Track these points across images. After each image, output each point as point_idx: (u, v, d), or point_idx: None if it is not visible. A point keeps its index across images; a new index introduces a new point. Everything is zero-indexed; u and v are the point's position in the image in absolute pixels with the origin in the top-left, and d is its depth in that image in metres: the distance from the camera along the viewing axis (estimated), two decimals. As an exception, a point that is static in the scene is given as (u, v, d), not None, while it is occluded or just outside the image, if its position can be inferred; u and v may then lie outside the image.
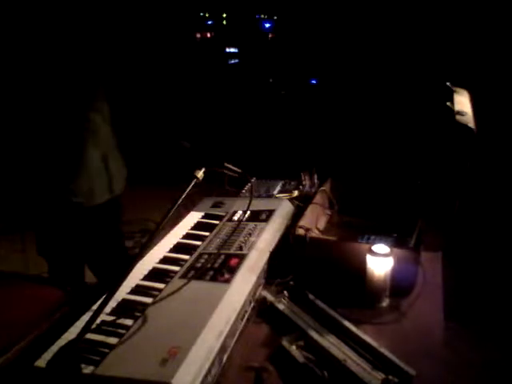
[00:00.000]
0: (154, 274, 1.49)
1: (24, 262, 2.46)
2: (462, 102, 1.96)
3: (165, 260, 1.58)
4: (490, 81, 3.73)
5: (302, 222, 1.67)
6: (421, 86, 3.91)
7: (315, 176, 2.21)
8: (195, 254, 1.57)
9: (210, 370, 1.08)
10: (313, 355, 1.21)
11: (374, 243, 1.45)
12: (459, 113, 1.76)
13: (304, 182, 2.19)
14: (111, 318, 1.25)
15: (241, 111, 5.94)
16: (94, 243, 2.28)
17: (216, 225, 1.80)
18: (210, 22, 7.77)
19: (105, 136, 2.19)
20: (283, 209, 1.89)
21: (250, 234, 1.66)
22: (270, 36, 7.36)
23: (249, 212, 1.80)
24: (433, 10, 4.57)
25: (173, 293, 1.33)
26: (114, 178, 2.25)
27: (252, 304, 1.42)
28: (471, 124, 1.67)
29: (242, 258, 1.50)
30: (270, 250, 1.60)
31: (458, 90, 2.17)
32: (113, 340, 1.15)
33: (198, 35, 7.68)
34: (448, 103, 1.93)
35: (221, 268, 1.44)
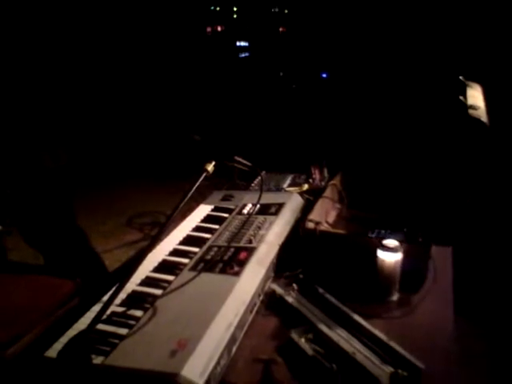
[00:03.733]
0: (164, 266, 1.49)
1: (35, 253, 2.48)
2: (475, 96, 1.95)
3: (175, 252, 1.59)
4: (504, 75, 3.69)
5: (311, 216, 1.67)
6: (433, 79, 3.88)
7: (325, 170, 2.20)
8: (205, 247, 1.58)
9: (219, 362, 1.09)
10: (322, 348, 1.21)
11: (384, 238, 1.45)
12: (472, 107, 1.74)
13: (314, 176, 2.19)
14: (121, 309, 1.26)
15: (251, 105, 5.93)
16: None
17: (226, 218, 1.81)
18: (220, 16, 7.76)
19: None
20: (293, 202, 1.89)
21: (259, 228, 1.66)
22: (280, 30, 7.34)
23: (258, 205, 1.80)
24: (447, 3, 4.52)
25: (182, 285, 1.34)
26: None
27: (261, 297, 1.42)
28: (484, 118, 1.66)
29: (251, 251, 1.50)
30: (280, 243, 1.60)
31: (470, 83, 2.15)
32: (123, 331, 1.16)
33: (209, 29, 7.68)
34: (461, 97, 1.91)
35: (230, 261, 1.45)
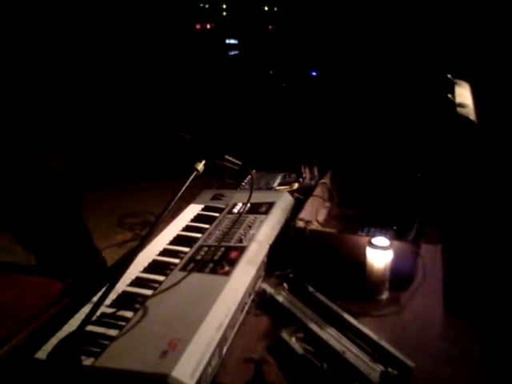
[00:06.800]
0: (154, 267, 1.49)
1: (26, 254, 2.46)
2: (463, 94, 1.96)
3: (165, 252, 1.58)
4: (492, 73, 3.71)
5: (301, 215, 1.67)
6: (422, 77, 3.90)
7: (315, 168, 2.21)
8: (195, 247, 1.57)
9: (209, 362, 1.09)
10: (312, 347, 1.21)
11: (373, 236, 1.45)
12: (460, 105, 1.75)
13: (304, 175, 2.19)
14: (111, 310, 1.25)
15: (241, 103, 5.92)
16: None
17: (216, 217, 1.80)
18: (209, 13, 7.74)
19: None
20: (283, 201, 1.89)
21: (249, 227, 1.66)
22: (270, 28, 7.34)
23: (249, 204, 1.80)
24: (433, 1, 4.54)
25: (173, 285, 1.33)
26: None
27: (252, 296, 1.43)
28: (472, 116, 1.67)
29: (241, 250, 1.50)
30: (270, 242, 1.60)
31: (459, 82, 2.16)
32: (113, 332, 1.16)
33: (198, 26, 7.65)
34: (449, 95, 1.92)
35: (221, 260, 1.45)
